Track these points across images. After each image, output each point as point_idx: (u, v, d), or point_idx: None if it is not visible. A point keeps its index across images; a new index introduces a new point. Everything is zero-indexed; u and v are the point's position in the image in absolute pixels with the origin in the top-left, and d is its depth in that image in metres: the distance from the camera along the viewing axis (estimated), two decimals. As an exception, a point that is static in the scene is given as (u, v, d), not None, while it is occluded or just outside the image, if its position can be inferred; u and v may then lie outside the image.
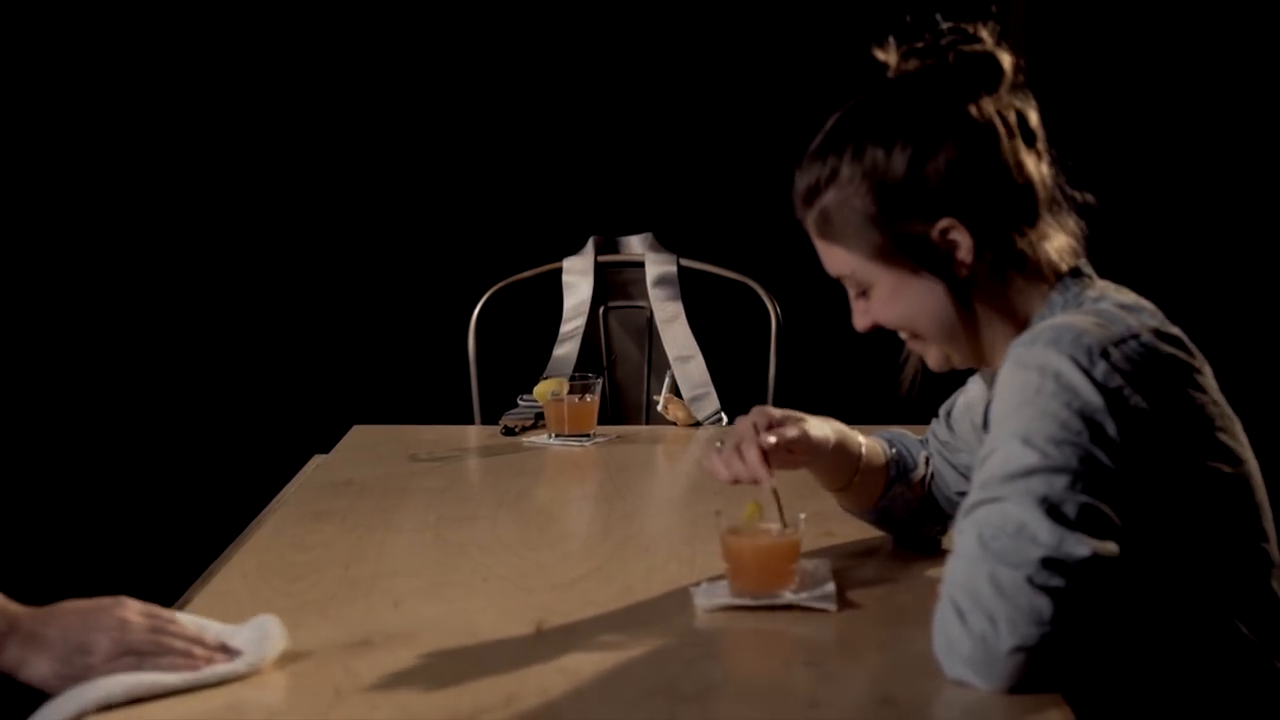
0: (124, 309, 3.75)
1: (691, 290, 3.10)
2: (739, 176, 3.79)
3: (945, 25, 1.60)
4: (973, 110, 1.55)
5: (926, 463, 1.88)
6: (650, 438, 2.71)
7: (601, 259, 3.14)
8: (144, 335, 3.76)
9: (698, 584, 1.70)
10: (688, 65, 3.78)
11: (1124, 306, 1.54)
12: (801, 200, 1.62)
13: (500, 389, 2.97)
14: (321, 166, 3.79)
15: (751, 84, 3.78)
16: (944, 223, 1.55)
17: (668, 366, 2.96)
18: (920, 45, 1.60)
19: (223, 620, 1.56)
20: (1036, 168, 1.58)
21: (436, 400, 3.25)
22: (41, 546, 3.61)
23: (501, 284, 3.13)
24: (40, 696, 1.43)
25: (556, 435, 2.63)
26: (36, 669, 1.42)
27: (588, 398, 2.62)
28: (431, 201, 3.82)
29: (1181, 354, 1.51)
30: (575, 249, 3.17)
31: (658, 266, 3.09)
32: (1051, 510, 1.37)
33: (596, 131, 3.81)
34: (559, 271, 3.14)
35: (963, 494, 1.85)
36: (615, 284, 3.15)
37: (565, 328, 3.08)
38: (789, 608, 1.62)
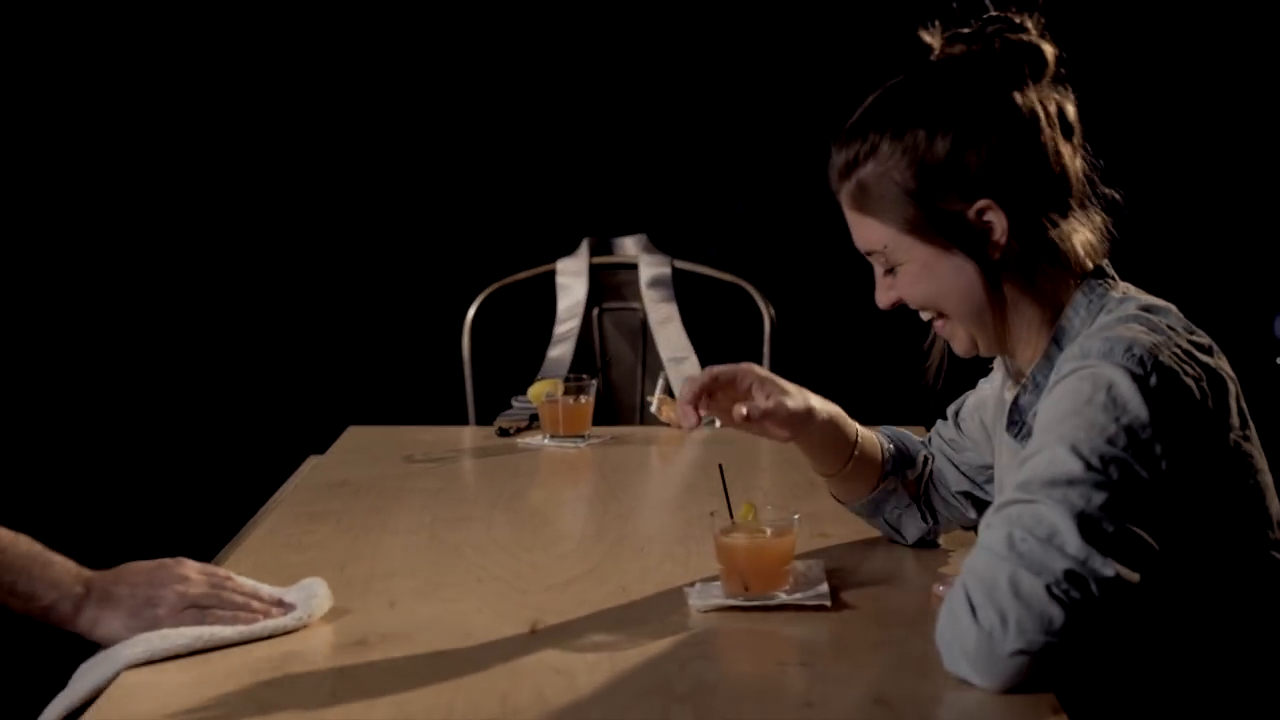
0: (120, 310, 3.75)
1: (685, 292, 3.11)
2: (734, 178, 3.79)
3: (992, 13, 1.61)
4: (1017, 99, 1.57)
5: (925, 462, 1.88)
6: (644, 439, 2.71)
7: (595, 260, 3.15)
8: (139, 336, 3.76)
9: (692, 584, 1.70)
10: (682, 67, 3.79)
11: (1153, 310, 1.55)
12: (839, 173, 1.63)
13: (495, 390, 2.98)
14: (316, 169, 3.79)
15: (747, 85, 3.79)
16: (982, 203, 1.56)
17: (661, 368, 2.97)
18: (966, 31, 1.61)
19: None
20: (1072, 160, 1.60)
21: (431, 401, 3.25)
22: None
23: (496, 285, 3.14)
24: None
25: (551, 436, 2.63)
26: (109, 625, 1.53)
27: (582, 399, 2.63)
28: (427, 203, 3.82)
29: (1215, 360, 1.52)
30: (569, 250, 3.18)
31: (652, 268, 3.10)
32: (1085, 524, 1.37)
33: (591, 133, 3.81)
34: (554, 273, 3.15)
35: (964, 493, 1.85)
36: (609, 285, 3.16)
37: (560, 329, 3.09)
38: (783, 608, 1.62)
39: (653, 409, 2.80)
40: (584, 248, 3.15)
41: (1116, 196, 1.63)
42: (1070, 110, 1.61)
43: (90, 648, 1.55)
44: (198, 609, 1.54)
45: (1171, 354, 1.47)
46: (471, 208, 3.83)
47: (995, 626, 1.35)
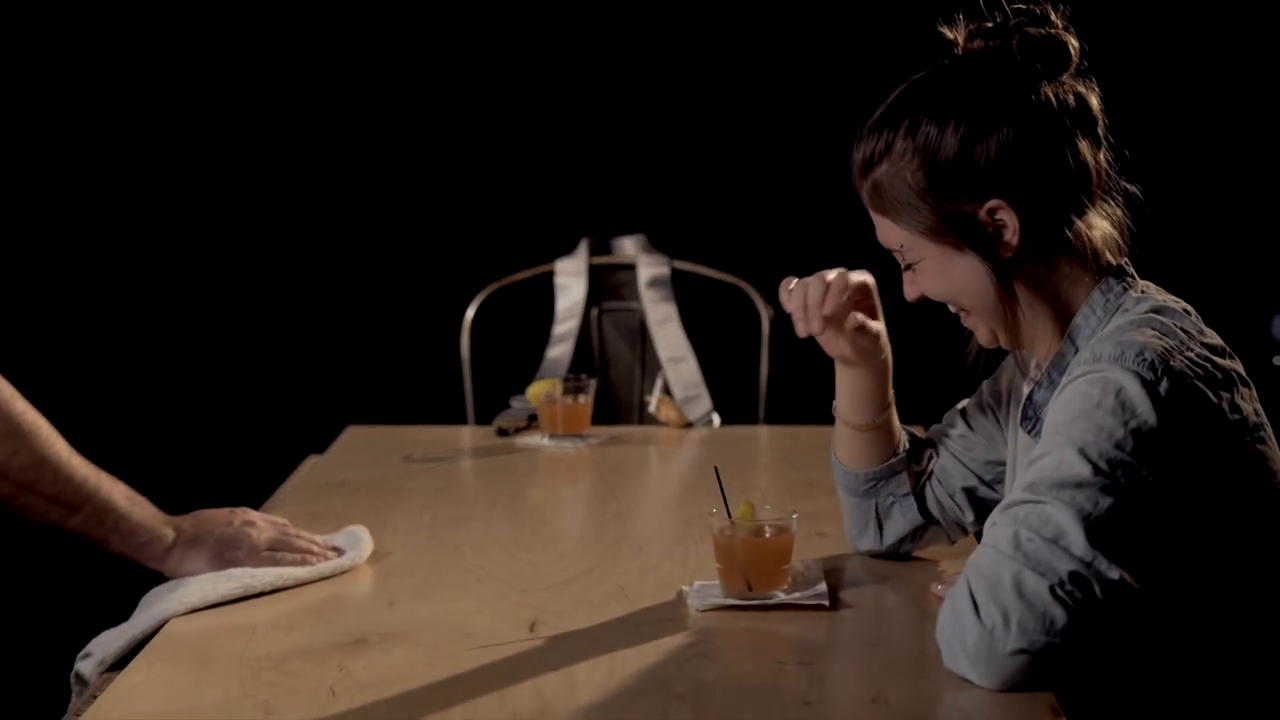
0: (120, 310, 3.75)
1: (684, 292, 3.11)
2: (732, 178, 3.79)
3: (1016, 6, 1.60)
4: (1033, 95, 1.56)
5: (929, 460, 1.87)
6: (643, 439, 2.71)
7: (594, 260, 3.15)
8: (139, 336, 3.76)
9: (691, 584, 1.70)
10: (681, 67, 3.79)
11: (1167, 312, 1.54)
12: (858, 172, 1.63)
13: (494, 390, 2.98)
14: (315, 169, 3.79)
15: (745, 86, 3.79)
16: (992, 203, 1.56)
17: (660, 368, 2.97)
18: (988, 25, 1.61)
19: None
20: (1092, 155, 1.59)
21: (431, 401, 3.26)
22: (39, 545, 3.61)
23: (495, 285, 3.14)
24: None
25: (550, 436, 2.63)
26: (194, 564, 1.74)
27: (581, 399, 2.63)
28: (426, 203, 3.82)
29: (1228, 363, 1.51)
30: (568, 250, 3.18)
31: (650, 268, 3.10)
32: (1092, 527, 1.37)
33: (589, 133, 3.81)
34: (552, 273, 3.15)
35: (967, 490, 1.83)
36: (608, 285, 3.16)
37: (558, 329, 3.09)
38: (782, 607, 1.62)
39: (651, 409, 2.81)
40: (583, 248, 3.15)
41: (1137, 192, 1.63)
42: (1094, 102, 1.60)
43: (149, 576, 1.74)
44: (270, 551, 1.75)
45: (1183, 359, 1.47)
46: (471, 208, 3.83)
47: (997, 625, 1.35)
